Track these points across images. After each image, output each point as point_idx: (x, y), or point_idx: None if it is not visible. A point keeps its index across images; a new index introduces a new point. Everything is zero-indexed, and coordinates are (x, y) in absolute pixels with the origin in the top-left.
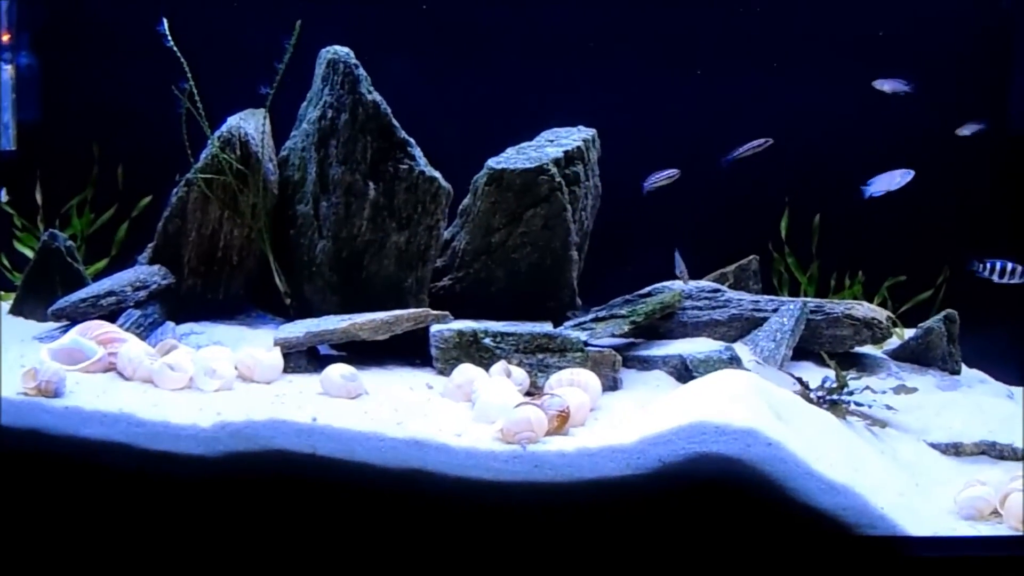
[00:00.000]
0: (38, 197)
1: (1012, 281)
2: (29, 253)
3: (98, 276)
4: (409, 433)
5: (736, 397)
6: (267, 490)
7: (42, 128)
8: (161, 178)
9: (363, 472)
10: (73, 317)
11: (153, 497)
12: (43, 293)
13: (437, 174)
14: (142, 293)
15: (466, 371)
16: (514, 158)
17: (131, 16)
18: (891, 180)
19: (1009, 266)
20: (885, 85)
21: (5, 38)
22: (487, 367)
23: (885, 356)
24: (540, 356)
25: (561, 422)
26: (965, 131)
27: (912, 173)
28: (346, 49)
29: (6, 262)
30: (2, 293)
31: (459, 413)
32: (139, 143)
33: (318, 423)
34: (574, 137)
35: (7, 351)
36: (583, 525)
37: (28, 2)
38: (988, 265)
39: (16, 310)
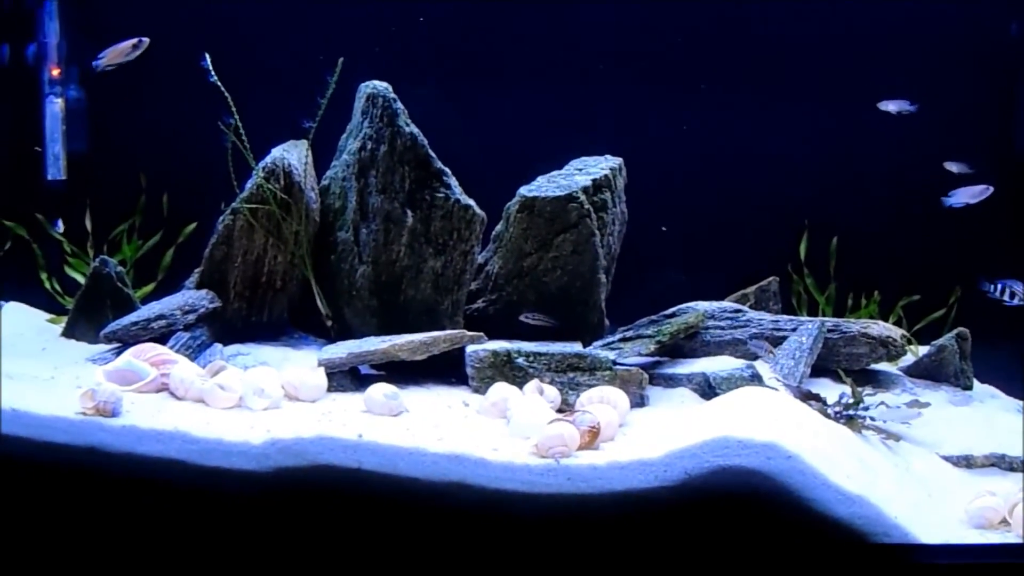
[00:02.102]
0: (87, 224)
1: (1021, 303)
2: (79, 278)
3: (145, 300)
4: (449, 448)
5: (758, 413)
6: (315, 503)
7: (90, 158)
8: (204, 205)
9: (406, 485)
10: (124, 339)
11: (206, 510)
12: (94, 316)
13: (472, 202)
14: (191, 316)
15: (501, 389)
16: (545, 186)
17: (169, 45)
18: (972, 193)
19: (1019, 288)
20: (890, 106)
21: (55, 72)
22: (520, 385)
23: (900, 372)
24: (571, 375)
25: (592, 437)
26: (953, 167)
27: (992, 189)
28: (384, 84)
29: (57, 287)
30: (54, 316)
31: (495, 429)
32: (182, 172)
33: (364, 439)
34: (601, 166)
35: (62, 373)
36: (613, 534)
37: (75, 37)
38: (998, 286)
39: (68, 332)
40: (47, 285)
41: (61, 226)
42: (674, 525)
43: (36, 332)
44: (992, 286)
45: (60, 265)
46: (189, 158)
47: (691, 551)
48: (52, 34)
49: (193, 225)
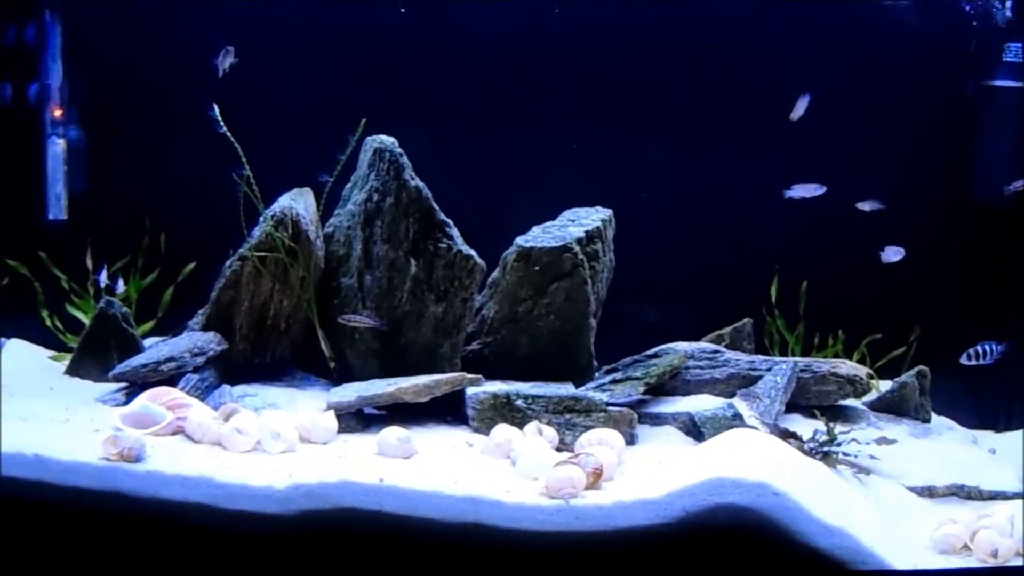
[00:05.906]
0: (88, 263)
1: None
2: (82, 317)
3: (144, 337)
4: (466, 490)
5: (748, 454)
6: (337, 545)
7: (90, 198)
8: (203, 244)
9: (425, 526)
10: (133, 381)
11: (232, 553)
12: (99, 356)
13: (473, 252)
14: (200, 359)
15: (504, 431)
16: (540, 237)
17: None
18: (895, 252)
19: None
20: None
21: (57, 113)
22: (519, 426)
23: (864, 407)
24: (567, 416)
25: (595, 478)
26: (865, 206)
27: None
28: (391, 139)
29: (59, 324)
30: (56, 354)
31: (501, 470)
32: (180, 211)
33: (385, 483)
34: (593, 217)
35: (76, 414)
36: (618, 568)
37: (77, 79)
38: (984, 348)
39: (72, 371)
40: (48, 322)
41: (122, 287)
42: (674, 558)
43: (40, 371)
44: (982, 347)
45: (60, 302)
46: (188, 198)
47: None
48: (55, 76)
49: (192, 264)
